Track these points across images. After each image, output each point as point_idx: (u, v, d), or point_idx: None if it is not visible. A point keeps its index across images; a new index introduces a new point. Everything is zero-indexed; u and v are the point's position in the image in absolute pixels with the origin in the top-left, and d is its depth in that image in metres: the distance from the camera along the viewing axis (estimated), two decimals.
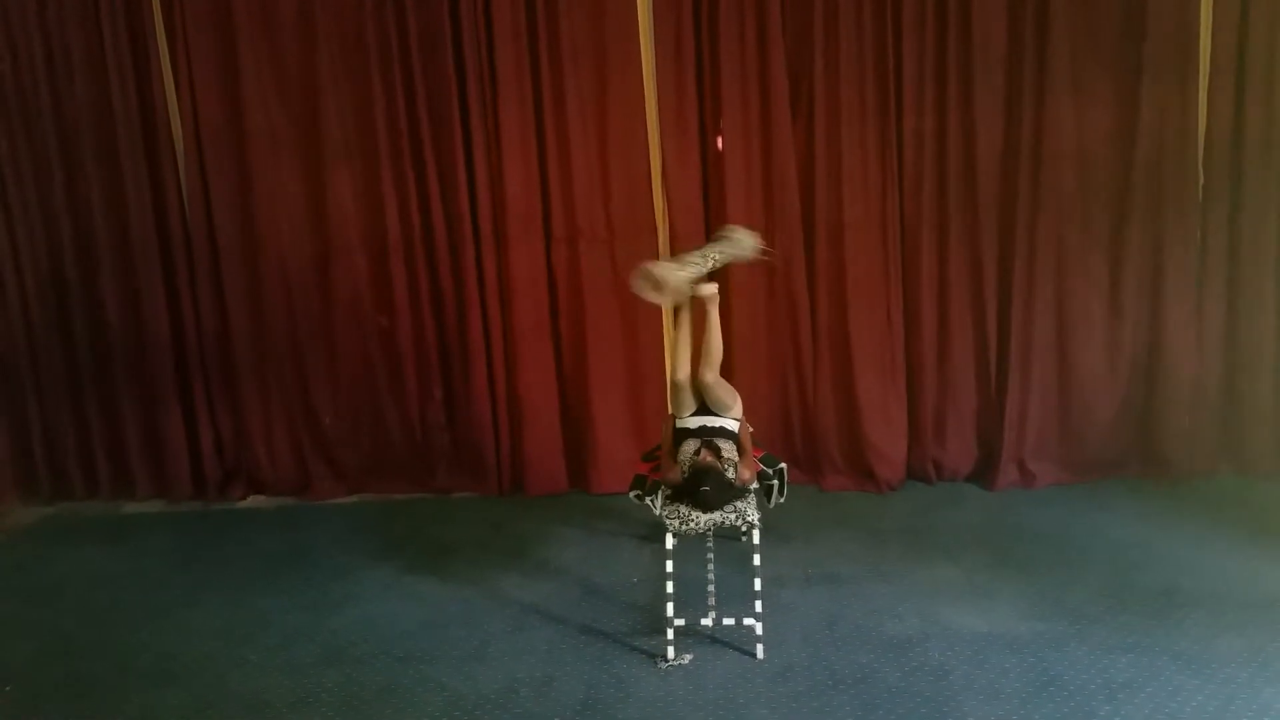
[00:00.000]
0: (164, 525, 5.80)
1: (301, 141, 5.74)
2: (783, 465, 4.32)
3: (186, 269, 5.90)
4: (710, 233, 5.56)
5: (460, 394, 5.90)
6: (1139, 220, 5.39)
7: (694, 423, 4.17)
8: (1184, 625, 3.93)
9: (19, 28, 5.72)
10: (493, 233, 5.68)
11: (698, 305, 4.23)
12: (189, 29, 5.63)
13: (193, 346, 5.97)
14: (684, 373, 4.14)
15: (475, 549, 5.14)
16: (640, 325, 5.68)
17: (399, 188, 5.70)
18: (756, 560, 3.87)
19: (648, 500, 4.17)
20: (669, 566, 3.87)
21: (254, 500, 6.10)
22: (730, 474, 3.91)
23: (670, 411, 4.31)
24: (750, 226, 5.43)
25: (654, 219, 5.61)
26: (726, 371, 4.23)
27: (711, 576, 4.29)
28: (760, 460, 4.24)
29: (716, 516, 3.88)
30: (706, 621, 4.04)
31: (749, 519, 3.90)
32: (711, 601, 4.19)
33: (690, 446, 4.05)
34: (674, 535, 3.89)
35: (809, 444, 5.78)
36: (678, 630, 3.91)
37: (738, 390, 4.26)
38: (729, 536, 4.63)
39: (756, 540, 3.90)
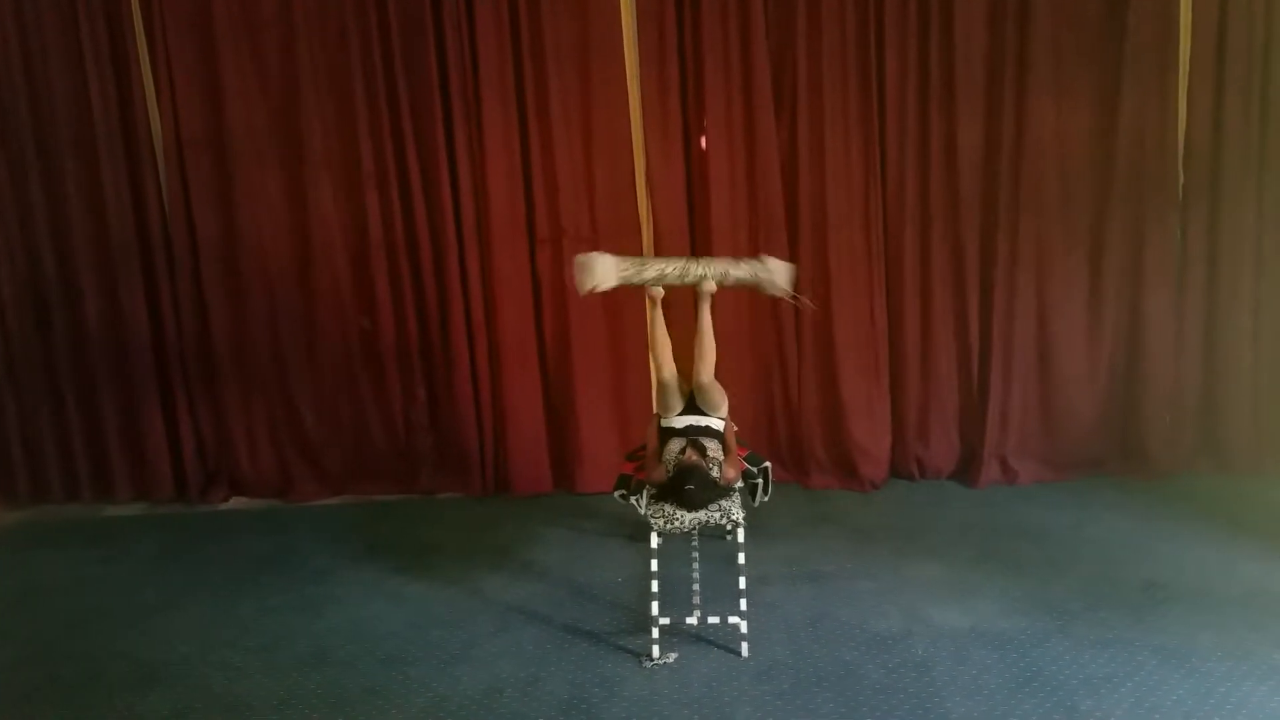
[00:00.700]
0: (145, 528, 5.76)
1: (282, 142, 5.71)
2: (767, 464, 4.33)
3: (167, 270, 5.86)
4: (694, 231, 5.59)
5: (444, 395, 5.89)
6: (1120, 219, 5.43)
7: (680, 422, 4.17)
8: (1164, 620, 3.96)
9: None
10: (476, 233, 5.67)
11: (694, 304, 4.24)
12: (168, 29, 5.60)
13: (173, 348, 5.93)
14: (669, 371, 4.14)
15: (459, 550, 5.12)
16: (625, 325, 5.69)
17: (381, 188, 5.69)
18: (741, 559, 3.88)
19: (632, 500, 4.17)
20: (654, 565, 3.87)
21: (236, 502, 6.07)
22: (715, 473, 3.92)
23: (656, 411, 4.31)
24: (733, 225, 5.50)
25: (638, 219, 5.62)
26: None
27: (696, 575, 4.29)
28: (745, 459, 4.24)
29: (701, 515, 3.88)
30: (691, 620, 4.04)
31: (734, 518, 3.91)
32: (696, 600, 4.19)
33: (675, 446, 4.05)
34: (659, 534, 3.89)
35: (793, 442, 5.80)
36: (663, 629, 3.91)
37: (724, 389, 4.27)
38: (714, 535, 4.62)
39: (741, 539, 3.90)
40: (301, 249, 5.80)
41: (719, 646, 3.94)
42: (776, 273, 4.23)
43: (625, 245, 5.50)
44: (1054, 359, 5.59)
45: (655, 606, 3.88)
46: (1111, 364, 5.61)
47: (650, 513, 3.94)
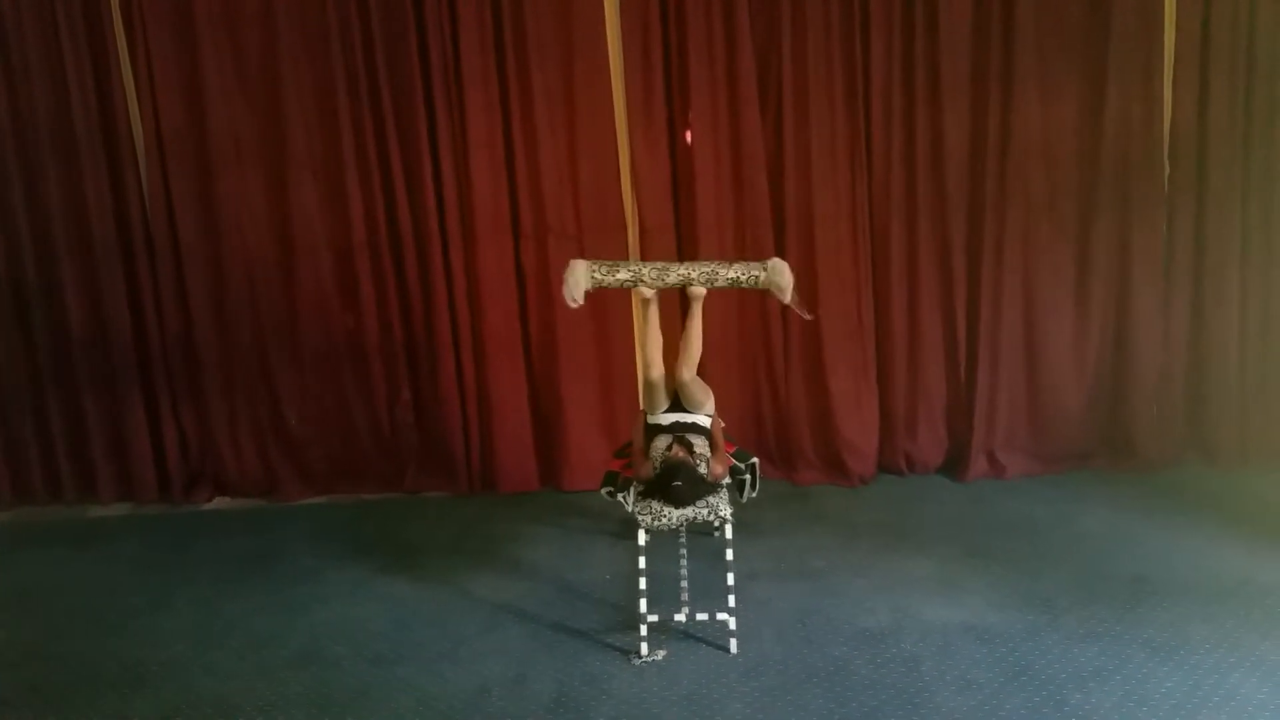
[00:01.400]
0: (129, 529, 5.72)
1: (264, 139, 5.67)
2: (755, 460, 4.32)
3: (149, 269, 5.82)
4: (679, 227, 5.58)
5: (429, 393, 5.86)
6: (1106, 213, 5.44)
7: (667, 419, 4.16)
8: (1152, 613, 3.97)
9: None
10: (460, 230, 5.64)
11: (684, 304, 4.23)
12: (148, 25, 5.54)
13: (156, 348, 5.89)
14: (657, 371, 4.13)
15: (446, 549, 5.10)
16: (611, 322, 5.68)
17: (364, 186, 5.65)
18: (729, 555, 3.88)
19: (620, 497, 4.16)
20: (642, 563, 3.86)
21: (220, 502, 6.03)
22: (702, 469, 3.91)
23: (642, 408, 4.30)
24: (719, 220, 5.49)
25: (623, 215, 5.60)
26: (699, 367, 4.22)
27: (684, 572, 4.29)
28: (732, 455, 4.24)
29: (689, 512, 3.88)
30: (680, 617, 4.02)
31: (721, 514, 3.90)
32: (685, 597, 4.18)
33: (662, 442, 4.04)
34: (646, 531, 3.88)
35: (781, 438, 5.79)
36: (651, 626, 3.90)
37: (709, 385, 4.26)
38: (701, 532, 4.62)
39: (729, 535, 3.90)
40: (284, 247, 5.77)
41: (707, 643, 3.93)
42: (781, 275, 4.10)
43: (610, 241, 5.52)
44: (1041, 353, 5.59)
45: (643, 604, 3.86)
46: (1098, 358, 5.62)
47: (638, 510, 3.93)
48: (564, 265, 5.53)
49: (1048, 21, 5.29)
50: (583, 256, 5.53)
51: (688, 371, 4.11)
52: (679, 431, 4.10)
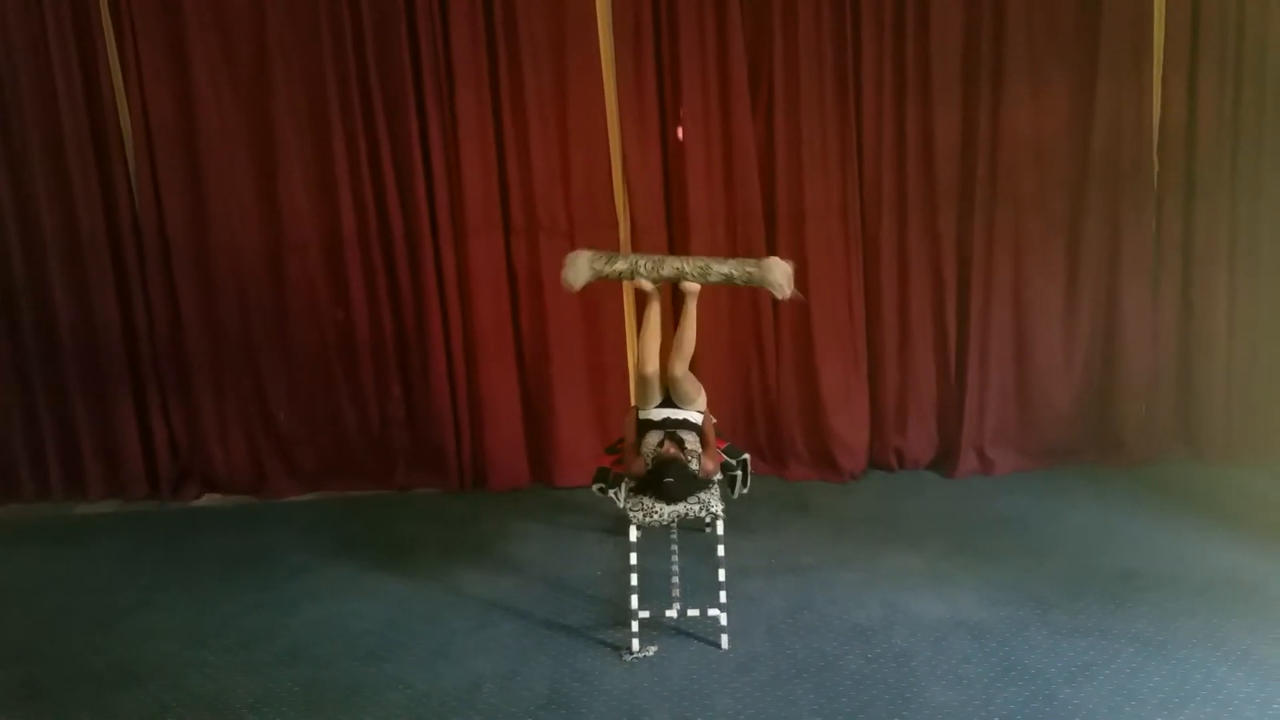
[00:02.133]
0: (118, 526, 5.69)
1: (254, 135, 5.64)
2: (746, 456, 4.33)
3: (137, 265, 5.79)
4: (670, 223, 5.58)
5: (419, 389, 5.84)
6: (1095, 209, 5.46)
7: (658, 415, 4.16)
8: (1141, 608, 3.99)
9: None
10: (451, 226, 5.63)
11: (679, 300, 4.24)
12: (137, 21, 5.51)
13: (144, 344, 5.86)
14: (652, 367, 4.13)
15: (437, 545, 5.09)
16: (602, 318, 5.68)
17: (354, 181, 5.63)
18: (720, 551, 3.88)
19: (611, 493, 4.16)
20: (633, 559, 3.87)
21: (210, 499, 6.00)
22: (694, 465, 3.91)
23: (634, 404, 4.30)
24: (711, 216, 5.49)
25: (614, 211, 5.60)
26: (690, 363, 4.22)
27: (676, 568, 4.29)
28: (723, 451, 4.24)
29: (680, 508, 3.88)
30: (671, 613, 4.03)
31: (713, 510, 3.90)
32: (676, 593, 4.18)
33: (654, 438, 4.04)
34: (638, 527, 3.88)
35: (772, 435, 5.80)
36: (642, 622, 3.90)
37: (701, 382, 4.26)
38: (693, 528, 4.61)
39: (720, 531, 3.90)
40: (274, 242, 5.74)
41: (699, 639, 3.94)
42: (774, 272, 4.06)
43: (602, 238, 5.51)
44: (1031, 349, 5.61)
45: (635, 600, 3.87)
46: (1088, 353, 5.64)
47: (629, 506, 3.94)
48: (556, 261, 5.56)
49: (1038, 19, 5.30)
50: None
51: (680, 367, 4.11)
52: (670, 428, 4.10)
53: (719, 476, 4.12)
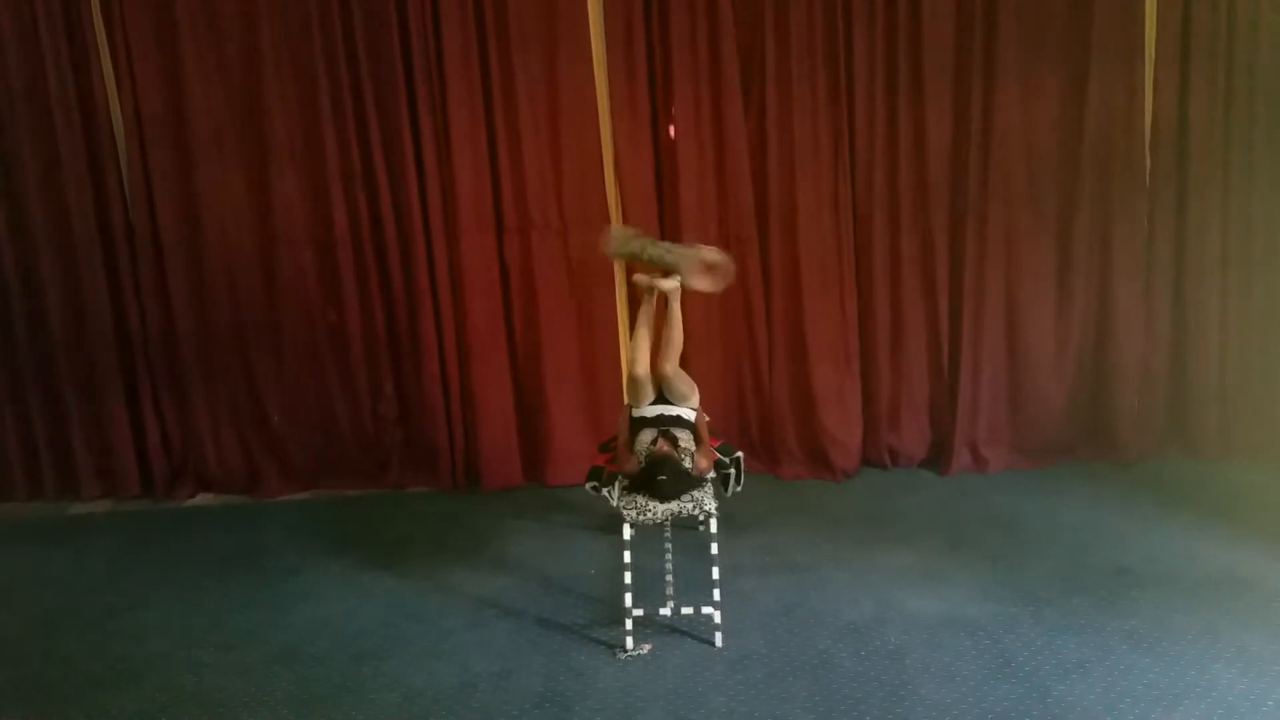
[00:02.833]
0: (111, 525, 5.68)
1: (245, 133, 5.63)
2: (739, 454, 4.32)
3: (129, 263, 5.77)
4: (663, 221, 5.58)
5: (412, 388, 5.84)
6: (1087, 207, 5.47)
7: (651, 412, 4.16)
8: (1135, 605, 3.99)
9: None
10: (443, 224, 5.62)
11: (660, 298, 4.24)
12: (128, 17, 5.50)
13: (137, 343, 5.85)
14: (643, 367, 4.13)
15: (430, 544, 5.09)
16: (595, 316, 5.67)
17: (346, 179, 5.62)
18: (714, 549, 3.88)
19: (605, 491, 4.15)
20: (627, 557, 3.87)
21: (202, 498, 5.99)
22: (687, 464, 3.91)
23: (627, 402, 4.30)
24: (703, 214, 5.49)
25: (607, 208, 5.59)
26: (682, 361, 4.22)
27: (669, 566, 4.28)
28: (717, 449, 4.24)
29: (674, 506, 3.89)
30: (665, 611, 4.02)
31: (706, 508, 3.90)
32: (670, 591, 4.17)
33: (647, 436, 4.04)
34: (631, 526, 3.88)
35: (765, 433, 5.80)
36: (636, 620, 3.90)
37: (694, 380, 4.26)
38: (687, 526, 4.62)
39: (714, 529, 3.90)
40: (266, 241, 5.73)
41: (693, 637, 3.94)
42: (687, 264, 4.18)
43: (594, 235, 5.48)
44: (1023, 347, 5.62)
45: (629, 598, 3.87)
46: (1080, 351, 5.65)
47: (623, 504, 3.94)
48: (548, 260, 5.61)
49: (1030, 16, 5.31)
50: (566, 251, 5.60)
51: (670, 365, 4.11)
52: (664, 425, 4.10)
53: (712, 474, 4.12)
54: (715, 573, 3.88)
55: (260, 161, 5.64)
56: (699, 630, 3.96)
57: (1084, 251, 5.52)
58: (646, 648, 3.87)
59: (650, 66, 5.48)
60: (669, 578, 4.23)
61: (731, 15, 5.37)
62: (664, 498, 3.86)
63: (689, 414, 4.18)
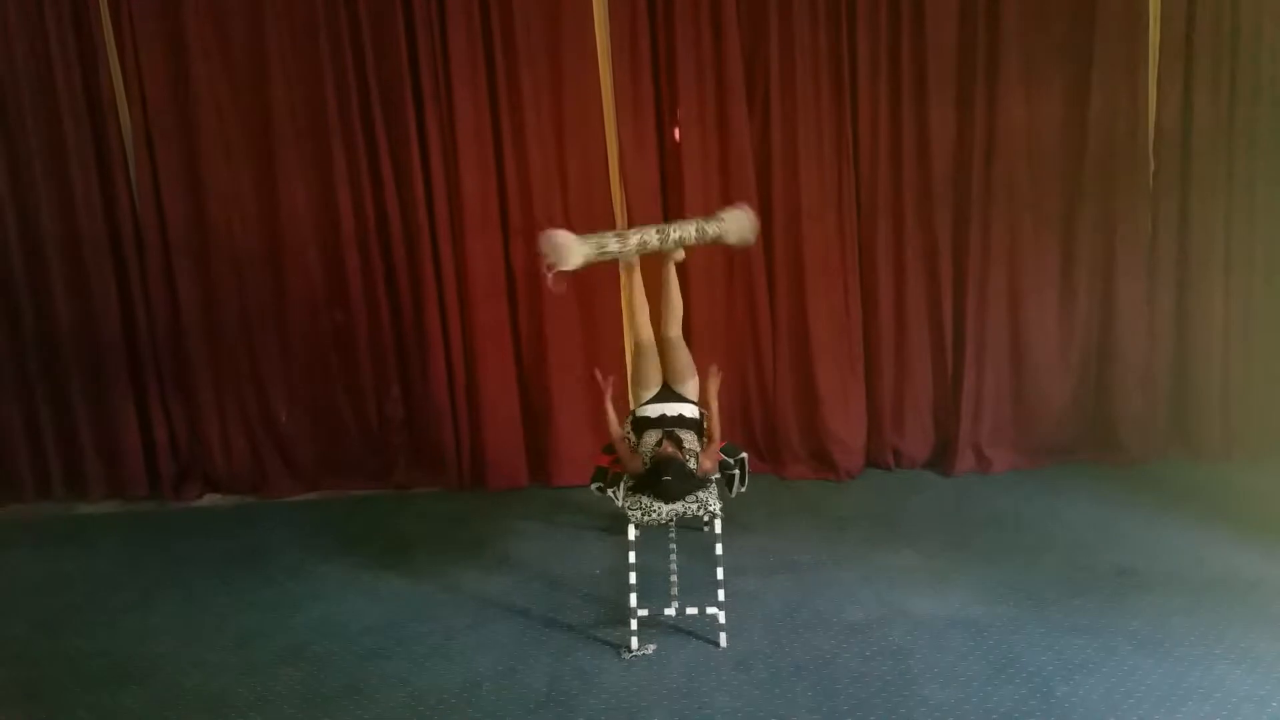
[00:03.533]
0: (119, 526, 5.70)
1: (253, 135, 5.66)
2: (744, 455, 4.34)
3: (138, 265, 5.81)
4: (667, 221, 5.56)
5: (418, 389, 5.86)
6: (1091, 208, 5.47)
7: (653, 410, 4.18)
8: (1138, 606, 3.99)
9: None
10: (449, 226, 5.64)
11: (656, 266, 4.38)
12: (135, 17, 5.53)
13: (145, 343, 5.88)
14: (646, 332, 4.25)
15: (435, 544, 5.10)
16: (600, 317, 5.68)
17: (353, 181, 5.65)
18: (719, 550, 3.88)
19: (609, 492, 4.17)
20: (631, 557, 3.87)
21: (210, 499, 6.02)
22: (692, 464, 3.92)
23: (631, 387, 4.37)
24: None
25: (612, 210, 5.61)
26: (688, 353, 4.27)
27: (674, 567, 4.28)
28: (721, 450, 4.25)
29: (679, 507, 3.89)
30: (669, 611, 4.04)
31: (711, 509, 3.91)
32: (674, 591, 4.19)
33: (651, 438, 4.05)
34: (636, 526, 3.89)
35: (769, 433, 5.81)
36: (641, 621, 3.91)
37: (699, 376, 4.28)
38: (691, 527, 4.62)
39: (718, 530, 3.91)
40: (273, 242, 5.75)
41: (697, 637, 3.95)
42: (737, 224, 4.26)
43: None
44: (1027, 348, 5.62)
45: (633, 598, 3.88)
46: (1084, 352, 5.65)
47: (627, 505, 3.95)
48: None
49: (1033, 17, 5.31)
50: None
51: (674, 328, 4.23)
52: (668, 426, 4.11)
53: (717, 475, 4.13)
54: (719, 573, 3.89)
55: (267, 162, 5.66)
56: (703, 630, 3.97)
57: (1087, 253, 5.52)
58: (651, 648, 3.88)
59: (655, 68, 5.50)
60: (673, 578, 4.25)
61: (736, 16, 5.39)
62: (669, 498, 3.86)
63: (691, 410, 4.20)
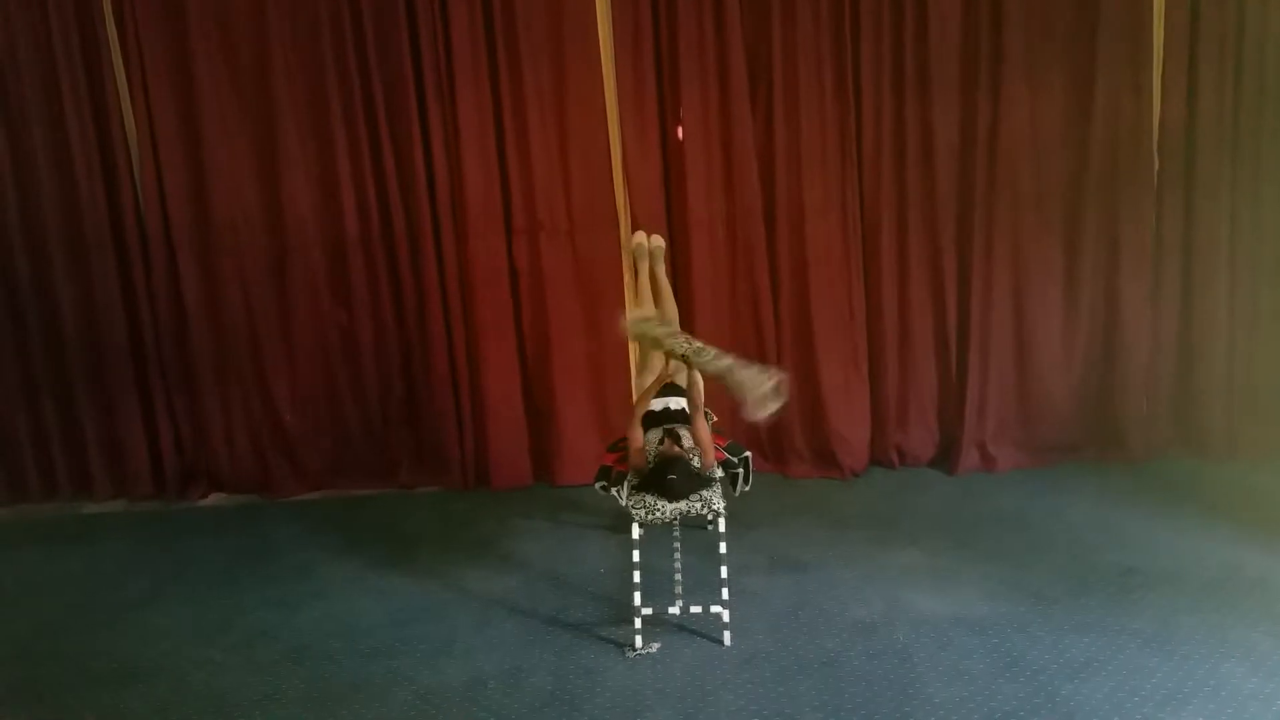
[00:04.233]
0: (124, 526, 5.72)
1: (257, 135, 5.67)
2: (748, 454, 4.33)
3: (142, 265, 5.82)
4: (671, 222, 5.59)
5: (422, 389, 5.86)
6: (1095, 207, 5.46)
7: (657, 404, 4.18)
8: (1143, 604, 3.99)
9: None
10: (452, 226, 5.65)
11: (646, 271, 4.65)
12: (139, 17, 5.54)
13: (150, 344, 5.89)
14: (640, 235, 4.66)
15: (440, 544, 5.11)
16: (604, 317, 5.68)
17: (356, 181, 5.66)
18: (723, 548, 3.88)
19: (614, 491, 4.17)
20: (635, 556, 3.88)
21: (215, 498, 6.03)
22: (696, 463, 3.92)
23: (635, 376, 4.39)
24: (710, 215, 5.49)
25: (615, 210, 5.61)
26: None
27: (678, 565, 4.29)
28: (725, 449, 4.25)
29: (683, 505, 3.89)
30: (674, 610, 4.04)
31: (715, 507, 3.91)
32: (678, 590, 4.19)
33: (655, 436, 4.05)
34: (640, 525, 3.89)
35: (773, 432, 5.80)
36: (645, 619, 3.91)
37: (700, 377, 4.27)
38: (695, 525, 4.64)
39: (722, 529, 3.91)
40: (277, 243, 5.77)
41: (701, 636, 3.95)
42: (758, 383, 3.74)
43: (602, 236, 5.53)
44: (1031, 347, 5.62)
45: (637, 597, 3.88)
46: (1088, 351, 5.64)
47: (631, 504, 3.95)
48: (556, 261, 5.63)
49: (1037, 17, 5.31)
50: (574, 252, 5.62)
51: (659, 267, 4.68)
52: (670, 422, 4.11)
53: (720, 474, 4.13)
54: (724, 571, 3.89)
55: (271, 163, 5.67)
56: (707, 629, 3.97)
57: (1091, 252, 5.52)
58: (655, 646, 3.88)
59: (658, 68, 5.50)
60: (678, 576, 4.25)
61: (739, 17, 5.39)
62: (673, 497, 3.86)
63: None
